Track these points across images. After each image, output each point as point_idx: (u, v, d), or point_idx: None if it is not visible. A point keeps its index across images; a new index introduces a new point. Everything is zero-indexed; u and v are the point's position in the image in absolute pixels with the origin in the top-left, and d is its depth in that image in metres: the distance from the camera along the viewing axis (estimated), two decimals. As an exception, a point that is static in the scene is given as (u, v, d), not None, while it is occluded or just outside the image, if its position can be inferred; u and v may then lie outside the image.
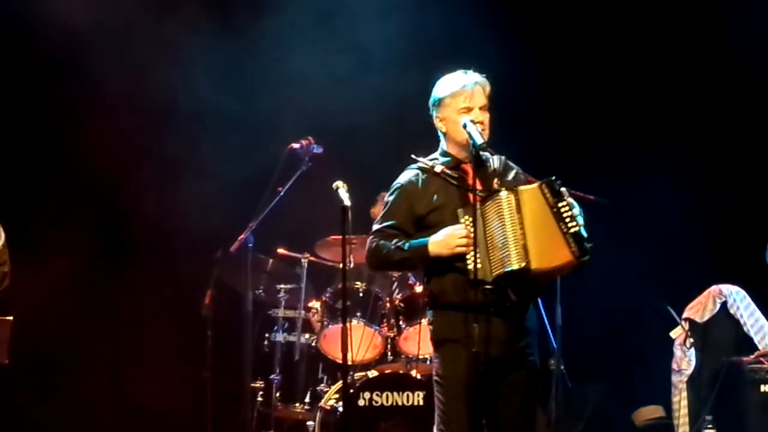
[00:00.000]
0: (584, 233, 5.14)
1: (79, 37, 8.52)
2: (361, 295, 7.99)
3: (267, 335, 8.23)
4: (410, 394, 7.44)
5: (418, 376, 7.52)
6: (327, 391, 7.84)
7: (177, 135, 8.78)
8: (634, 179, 8.86)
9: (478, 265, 5.11)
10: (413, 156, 5.51)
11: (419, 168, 5.45)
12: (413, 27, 8.86)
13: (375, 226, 5.48)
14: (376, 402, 7.44)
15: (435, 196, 5.36)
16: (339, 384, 7.67)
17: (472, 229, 5.15)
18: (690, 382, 8.12)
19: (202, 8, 8.94)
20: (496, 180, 5.34)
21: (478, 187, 5.25)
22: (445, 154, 5.47)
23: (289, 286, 8.23)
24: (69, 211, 8.78)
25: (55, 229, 8.68)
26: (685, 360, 8.16)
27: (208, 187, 8.64)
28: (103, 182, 8.84)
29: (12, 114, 8.67)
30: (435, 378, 5.38)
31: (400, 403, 7.44)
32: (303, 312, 8.15)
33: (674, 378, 8.19)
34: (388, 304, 7.99)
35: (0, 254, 5.98)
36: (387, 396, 7.45)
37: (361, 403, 7.41)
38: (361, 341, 7.66)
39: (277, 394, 8.09)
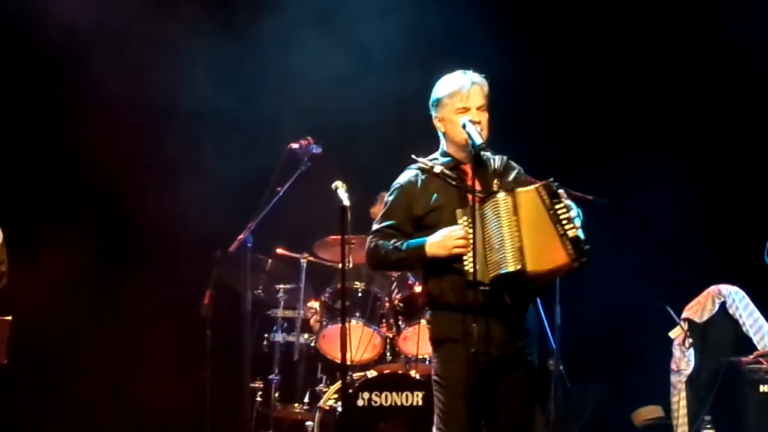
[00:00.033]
0: (582, 235, 5.15)
1: (79, 37, 8.53)
2: (360, 295, 7.98)
3: (266, 335, 8.22)
4: (409, 395, 7.44)
5: (417, 377, 7.51)
6: (326, 391, 7.84)
7: (177, 135, 8.79)
8: (634, 179, 8.86)
9: (477, 267, 5.11)
10: (413, 156, 5.52)
11: (419, 168, 5.46)
12: (413, 27, 8.87)
13: (374, 226, 5.50)
14: (375, 402, 7.44)
15: (434, 197, 5.36)
16: (338, 384, 7.67)
17: (469, 230, 5.16)
18: (689, 382, 8.12)
19: (202, 8, 8.95)
20: (495, 181, 5.33)
21: (477, 187, 5.24)
22: (444, 154, 5.48)
23: (288, 286, 8.22)
24: (69, 211, 8.80)
25: (55, 229, 8.69)
26: (684, 360, 8.16)
27: (208, 187, 8.64)
28: (103, 182, 8.84)
29: (12, 114, 8.68)
30: (434, 378, 5.38)
31: (399, 404, 7.44)
32: (302, 312, 8.14)
33: (673, 378, 8.19)
34: (387, 304, 7.99)
35: (-2, 253, 5.99)
36: (386, 396, 7.44)
37: (360, 403, 7.41)
38: (360, 341, 7.66)
39: (276, 394, 8.07)
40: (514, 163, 5.53)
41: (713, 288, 8.27)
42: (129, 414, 8.83)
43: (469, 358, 5.10)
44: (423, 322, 7.26)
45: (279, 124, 8.71)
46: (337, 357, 7.50)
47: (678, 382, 8.15)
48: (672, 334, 8.22)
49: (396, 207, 5.44)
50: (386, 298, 8.02)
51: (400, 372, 7.67)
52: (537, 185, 5.19)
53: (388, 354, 7.91)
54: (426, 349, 7.37)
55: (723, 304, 8.21)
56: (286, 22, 8.81)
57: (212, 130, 8.87)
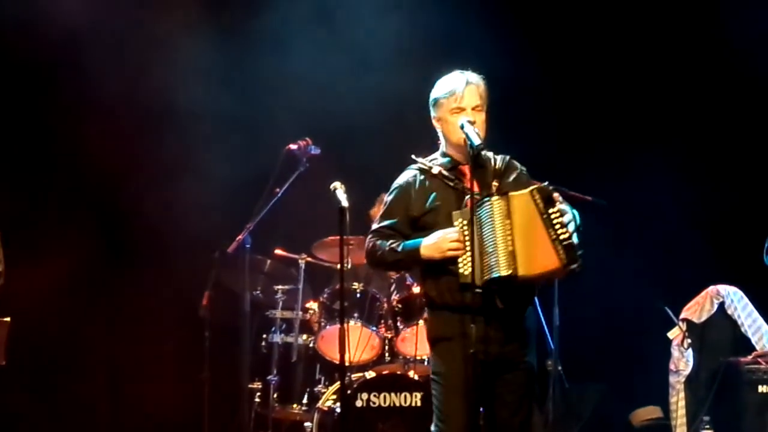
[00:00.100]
0: (575, 240, 5.15)
1: (78, 37, 8.53)
2: (358, 296, 8.01)
3: (264, 336, 8.21)
4: (408, 395, 7.45)
5: (416, 377, 7.52)
6: (324, 392, 7.85)
7: (176, 136, 8.79)
8: (634, 179, 8.85)
9: (471, 269, 5.12)
10: (413, 156, 5.54)
11: (418, 169, 5.48)
12: (413, 27, 8.88)
13: (373, 226, 5.54)
14: (374, 403, 7.44)
15: (432, 198, 5.38)
16: (336, 385, 7.69)
17: (465, 233, 5.16)
18: (687, 382, 8.12)
19: (202, 9, 8.95)
20: (494, 182, 5.33)
21: (475, 189, 5.25)
22: (444, 154, 5.49)
23: (286, 287, 8.22)
24: (68, 211, 8.79)
25: (54, 229, 8.70)
26: (682, 360, 8.15)
27: (207, 187, 8.64)
28: (102, 183, 8.84)
29: (12, 114, 8.67)
30: (431, 375, 5.40)
31: (397, 404, 7.45)
32: (300, 313, 8.14)
33: (672, 378, 8.19)
34: (385, 305, 8.01)
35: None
36: (384, 397, 7.45)
37: (358, 404, 7.41)
38: (359, 342, 7.68)
39: (275, 395, 8.07)
40: (516, 163, 5.53)
41: (712, 288, 8.27)
42: (128, 415, 8.82)
43: (466, 355, 5.11)
44: (421, 323, 7.29)
45: (278, 125, 8.72)
46: (335, 358, 7.56)
47: (677, 382, 8.15)
48: (671, 334, 8.21)
49: (394, 207, 5.47)
50: (385, 299, 8.03)
51: (398, 373, 7.68)
52: (531, 189, 5.18)
53: (387, 355, 7.94)
54: (424, 350, 7.38)
55: (722, 305, 8.21)
56: (285, 22, 8.81)
57: (211, 131, 8.86)
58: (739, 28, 8.66)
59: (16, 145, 8.69)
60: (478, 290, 5.12)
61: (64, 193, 8.89)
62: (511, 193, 5.19)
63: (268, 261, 8.26)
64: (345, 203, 5.82)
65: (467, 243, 5.15)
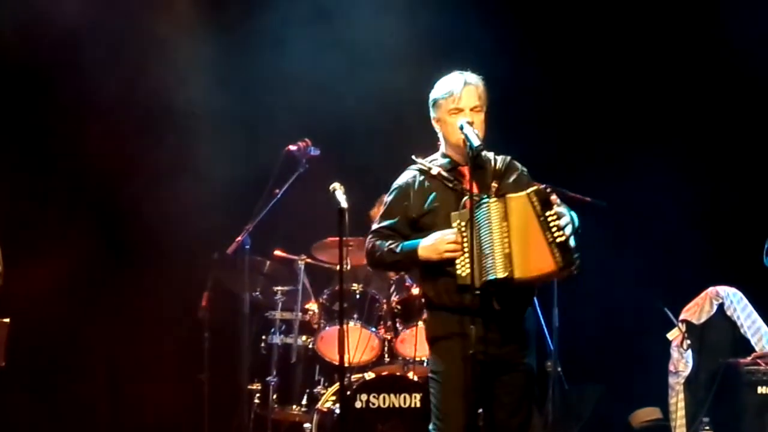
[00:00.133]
0: (572, 243, 5.14)
1: (77, 37, 8.53)
2: (357, 297, 8.00)
3: (264, 337, 8.19)
4: (407, 396, 7.44)
5: (415, 378, 7.51)
6: (324, 393, 7.85)
7: (175, 136, 8.81)
8: (634, 179, 8.84)
9: (468, 271, 5.13)
10: (413, 157, 5.54)
11: (418, 169, 5.48)
12: (413, 27, 8.87)
13: (373, 226, 5.55)
14: (373, 404, 7.43)
15: (430, 199, 5.38)
16: (336, 386, 7.68)
17: (462, 235, 5.16)
18: (687, 383, 8.12)
19: (201, 9, 8.95)
20: (493, 183, 5.33)
21: (474, 190, 5.25)
22: (444, 155, 5.49)
23: (286, 288, 8.20)
24: (68, 211, 8.79)
25: (54, 229, 8.70)
26: (682, 362, 8.15)
27: (206, 188, 8.65)
28: (102, 183, 8.84)
29: (11, 114, 8.67)
30: (430, 374, 5.42)
31: (397, 405, 7.44)
32: (300, 314, 8.12)
33: (671, 380, 8.20)
34: (385, 306, 8.00)
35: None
36: (384, 398, 7.44)
37: (357, 405, 7.41)
38: (358, 343, 7.68)
39: (274, 396, 8.05)
40: (517, 164, 5.52)
41: (711, 289, 8.27)
42: (127, 416, 8.82)
43: (466, 357, 5.10)
44: (421, 324, 7.28)
45: (277, 125, 8.72)
46: (335, 359, 7.57)
47: (676, 383, 8.15)
48: (670, 335, 8.22)
49: (394, 207, 5.47)
50: (384, 300, 8.02)
51: (397, 374, 7.66)
52: (528, 191, 5.18)
53: (386, 356, 7.92)
54: (424, 351, 7.39)
55: (721, 306, 8.21)
56: (285, 23, 8.81)
57: (211, 131, 8.86)
58: (739, 28, 8.66)
59: (15, 145, 8.68)
60: (476, 292, 5.11)
61: (64, 193, 8.89)
62: (508, 196, 5.19)
63: (268, 262, 8.24)
64: (344, 204, 5.81)
65: (465, 244, 5.15)
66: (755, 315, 8.18)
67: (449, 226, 5.22)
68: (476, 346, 5.09)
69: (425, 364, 7.49)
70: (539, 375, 6.20)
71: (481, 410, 5.18)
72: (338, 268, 6.00)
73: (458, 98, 5.34)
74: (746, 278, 8.24)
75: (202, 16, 8.92)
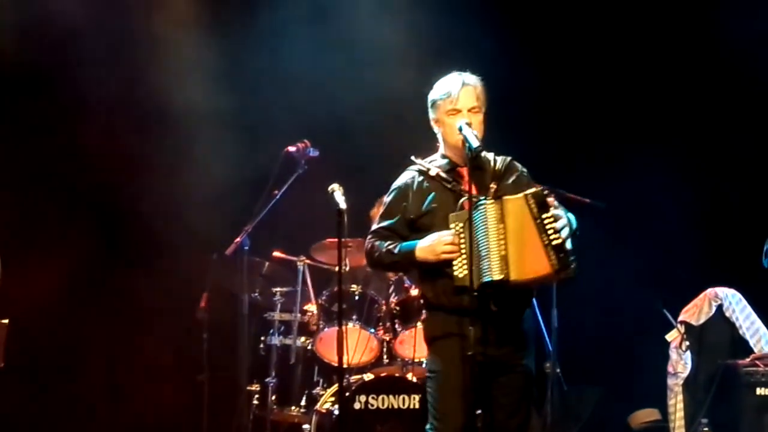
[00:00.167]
0: (569, 246, 5.14)
1: (77, 37, 8.53)
2: (356, 298, 8.01)
3: (263, 338, 8.18)
4: (406, 397, 7.44)
5: (414, 380, 7.51)
6: (323, 395, 7.85)
7: (174, 137, 8.81)
8: (634, 179, 8.84)
9: (465, 272, 5.13)
10: (412, 158, 5.54)
11: (417, 170, 5.48)
12: (412, 27, 8.86)
13: (373, 226, 5.56)
14: (372, 405, 7.44)
15: (429, 199, 5.39)
16: (335, 387, 7.69)
17: (460, 236, 5.16)
18: (686, 385, 8.11)
19: (200, 9, 8.94)
20: (492, 184, 5.33)
21: (473, 191, 5.25)
22: (443, 156, 5.50)
23: (284, 289, 8.20)
24: (68, 211, 8.79)
25: (54, 229, 8.72)
26: (680, 363, 8.15)
27: (205, 189, 8.65)
28: (102, 183, 8.84)
29: (11, 115, 8.68)
30: (427, 373, 5.43)
31: (395, 406, 7.44)
32: (299, 315, 8.12)
33: (670, 381, 8.19)
34: (384, 308, 8.00)
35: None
36: (383, 399, 7.45)
37: (356, 406, 7.41)
38: (357, 344, 7.68)
39: (273, 398, 8.04)
40: (517, 165, 5.52)
41: (710, 291, 8.26)
42: (126, 417, 8.79)
43: (465, 358, 5.11)
44: (419, 325, 7.27)
45: (277, 125, 8.72)
46: (333, 360, 7.58)
47: (675, 384, 8.15)
48: (669, 336, 8.21)
49: (393, 208, 5.48)
50: (383, 302, 8.03)
51: (396, 375, 7.66)
52: (525, 193, 5.18)
53: (385, 357, 7.92)
54: (423, 353, 7.32)
55: (720, 307, 8.19)
56: (284, 23, 8.81)
57: (210, 131, 8.86)
58: (739, 28, 8.64)
59: (15, 145, 8.68)
60: (474, 293, 5.11)
61: (63, 193, 8.88)
62: (505, 198, 5.19)
63: (267, 263, 8.23)
64: (343, 205, 5.81)
65: (463, 246, 5.15)
66: (754, 316, 8.17)
67: (447, 227, 5.22)
68: (475, 347, 5.10)
69: (424, 365, 7.47)
70: (538, 376, 6.20)
71: (479, 411, 5.17)
72: (337, 269, 5.99)
73: (456, 99, 5.35)
74: (745, 279, 8.23)
75: (202, 16, 8.91)
